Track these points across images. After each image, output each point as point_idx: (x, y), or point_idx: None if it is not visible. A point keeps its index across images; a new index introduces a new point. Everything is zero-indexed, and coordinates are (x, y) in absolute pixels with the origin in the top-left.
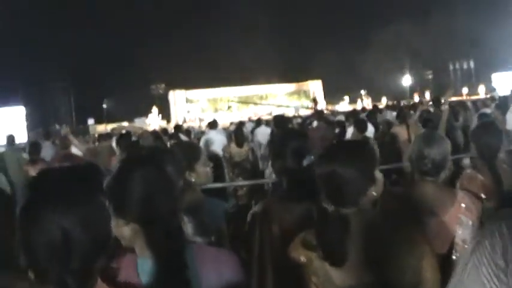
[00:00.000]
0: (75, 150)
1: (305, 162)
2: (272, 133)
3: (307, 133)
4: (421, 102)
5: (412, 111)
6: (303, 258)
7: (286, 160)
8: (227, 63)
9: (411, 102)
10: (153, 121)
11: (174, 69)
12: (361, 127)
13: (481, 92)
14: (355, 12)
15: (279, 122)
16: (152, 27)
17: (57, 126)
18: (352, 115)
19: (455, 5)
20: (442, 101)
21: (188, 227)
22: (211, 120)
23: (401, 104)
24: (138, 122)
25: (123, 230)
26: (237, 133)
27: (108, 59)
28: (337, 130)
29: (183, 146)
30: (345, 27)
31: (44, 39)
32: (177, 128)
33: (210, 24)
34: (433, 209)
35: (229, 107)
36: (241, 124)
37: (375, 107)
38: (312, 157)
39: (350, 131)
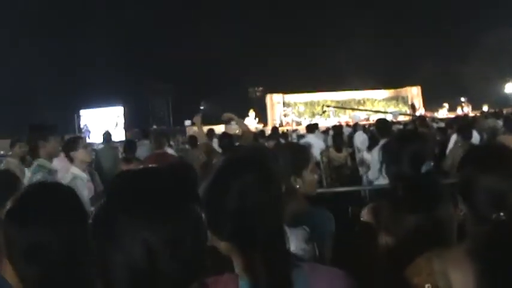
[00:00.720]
0: (170, 150)
1: (424, 168)
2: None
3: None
4: None
5: None
6: (428, 286)
7: (402, 165)
8: (325, 68)
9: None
10: (250, 124)
11: (271, 73)
12: (465, 134)
13: None
14: (456, 17)
15: (382, 127)
16: (252, 32)
17: (155, 126)
18: (456, 122)
19: None
20: None
21: (291, 242)
22: (310, 123)
23: (505, 112)
24: (235, 124)
25: (220, 243)
26: (337, 137)
27: (207, 62)
28: (438, 137)
29: (293, 147)
30: (445, 32)
31: (145, 43)
32: (275, 130)
33: (309, 29)
34: None
35: (324, 112)
36: (340, 128)
37: (481, 113)
38: (432, 163)
39: (453, 139)
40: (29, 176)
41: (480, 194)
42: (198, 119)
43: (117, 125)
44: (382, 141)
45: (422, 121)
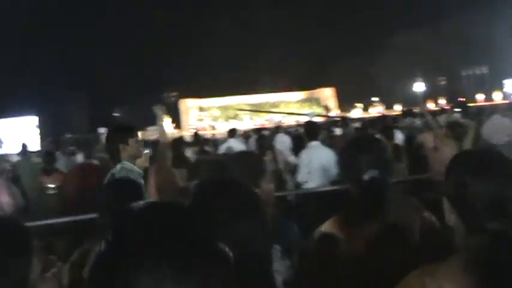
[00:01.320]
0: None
1: (366, 176)
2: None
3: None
4: (444, 109)
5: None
6: None
7: (360, 171)
8: (238, 72)
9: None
10: (167, 130)
11: (186, 78)
12: (389, 134)
13: (496, 98)
14: (367, 20)
15: (311, 130)
16: (163, 38)
17: (69, 135)
18: (374, 122)
19: (467, 11)
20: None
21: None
22: (231, 128)
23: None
24: (150, 130)
25: None
26: (260, 141)
27: (121, 69)
28: None
29: (248, 157)
30: (357, 35)
31: (58, 51)
32: (197, 137)
33: (220, 34)
34: None
35: (236, 115)
36: (261, 131)
37: (402, 112)
38: (376, 171)
39: None
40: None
41: (476, 202)
42: (159, 109)
43: (30, 135)
44: (311, 144)
45: (345, 122)
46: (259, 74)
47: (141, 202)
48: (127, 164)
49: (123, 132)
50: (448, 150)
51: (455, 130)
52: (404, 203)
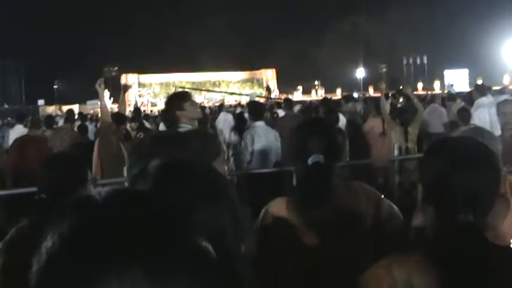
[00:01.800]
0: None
1: (310, 161)
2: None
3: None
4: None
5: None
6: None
7: (306, 156)
8: (180, 49)
9: (366, 95)
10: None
11: (127, 53)
12: (333, 118)
13: (436, 87)
14: (312, 2)
15: (255, 110)
16: (107, 10)
17: (6, 106)
18: (322, 105)
19: (410, 0)
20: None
21: None
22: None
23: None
24: (90, 104)
25: None
26: (202, 119)
27: (61, 40)
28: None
29: (201, 136)
30: (300, 16)
31: None
32: (138, 111)
33: (163, 8)
34: None
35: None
36: (203, 109)
37: (343, 97)
38: (321, 156)
39: None
40: None
41: (456, 192)
42: (101, 82)
43: None
44: (255, 124)
45: (289, 104)
46: (200, 52)
47: (106, 190)
48: (186, 127)
49: (177, 98)
50: (395, 136)
51: (401, 115)
52: (353, 189)
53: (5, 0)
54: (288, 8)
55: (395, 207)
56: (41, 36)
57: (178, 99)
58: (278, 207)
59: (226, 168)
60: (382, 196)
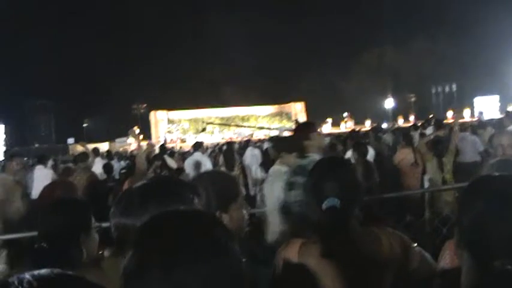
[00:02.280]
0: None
1: (325, 205)
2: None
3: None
4: (416, 125)
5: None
6: None
7: (320, 200)
8: (208, 84)
9: (395, 125)
10: (133, 142)
11: (155, 90)
12: (362, 151)
13: (466, 115)
14: (339, 35)
15: (280, 144)
16: (134, 49)
17: (36, 145)
18: (350, 137)
19: (437, 30)
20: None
21: None
22: (197, 141)
23: (393, 127)
24: (118, 142)
25: None
26: (228, 154)
27: (90, 79)
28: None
29: (218, 177)
30: (328, 49)
31: (26, 57)
32: (162, 149)
33: (191, 46)
34: None
35: (203, 129)
36: (230, 145)
37: (372, 129)
38: (337, 200)
39: (348, 155)
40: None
41: (495, 238)
42: (133, 131)
43: None
44: (280, 158)
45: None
46: (228, 87)
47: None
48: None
49: (305, 128)
50: (432, 167)
51: (437, 147)
52: (375, 235)
53: (35, 40)
54: (315, 41)
55: (427, 255)
56: (71, 76)
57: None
58: (291, 251)
59: (245, 212)
60: (414, 244)
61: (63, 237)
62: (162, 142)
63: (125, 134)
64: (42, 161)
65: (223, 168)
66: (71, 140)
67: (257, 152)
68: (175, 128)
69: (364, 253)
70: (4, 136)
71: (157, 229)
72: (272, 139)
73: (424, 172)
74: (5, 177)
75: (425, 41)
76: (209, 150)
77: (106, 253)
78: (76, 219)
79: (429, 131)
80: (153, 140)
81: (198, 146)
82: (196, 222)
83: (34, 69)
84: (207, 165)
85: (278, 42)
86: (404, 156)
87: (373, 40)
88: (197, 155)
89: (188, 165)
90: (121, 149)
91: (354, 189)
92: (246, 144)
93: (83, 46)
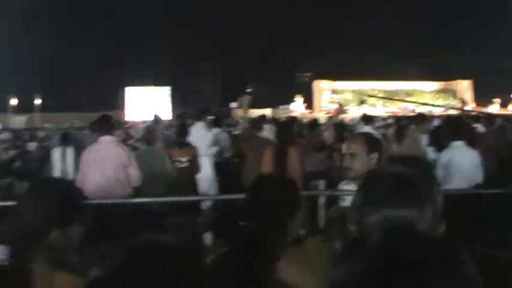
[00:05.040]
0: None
1: None
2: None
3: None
4: None
5: None
6: None
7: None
8: (375, 56)
9: None
10: (297, 109)
11: (320, 59)
12: None
13: None
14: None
15: (455, 128)
16: (301, 19)
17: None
18: None
19: None
20: None
21: None
22: (365, 114)
23: None
24: (282, 109)
25: None
26: (399, 131)
27: (256, 44)
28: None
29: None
30: (499, 27)
31: (194, 21)
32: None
33: (358, 17)
34: None
35: (362, 101)
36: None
37: None
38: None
39: None
40: None
41: None
42: (245, 100)
43: (162, 104)
44: (454, 144)
45: (491, 119)
46: (396, 59)
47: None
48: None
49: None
50: None
51: None
52: None
53: (200, 1)
54: (485, 19)
55: None
56: (236, 39)
57: None
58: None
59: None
60: None
61: (272, 217)
62: (323, 111)
63: (288, 102)
64: (217, 123)
65: (394, 145)
66: (234, 104)
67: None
68: (338, 99)
69: None
70: (170, 98)
71: None
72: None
73: None
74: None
75: None
76: (377, 124)
77: (302, 233)
78: (288, 200)
79: None
80: (315, 109)
81: (367, 119)
82: None
83: (202, 32)
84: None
85: (446, 16)
86: None
87: None
88: (366, 130)
89: None
90: (283, 117)
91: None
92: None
93: (252, 12)
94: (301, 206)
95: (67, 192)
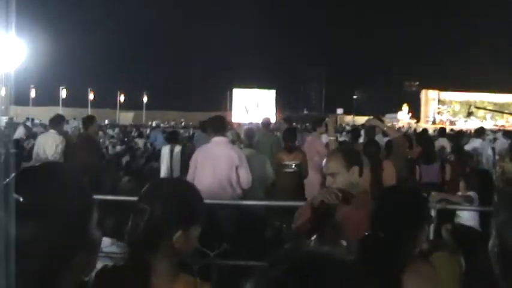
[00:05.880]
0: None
1: None
2: None
3: None
4: None
5: None
6: None
7: None
8: (484, 67)
9: None
10: (403, 118)
11: (428, 68)
12: None
13: None
14: None
15: None
16: (413, 26)
17: (305, 112)
18: None
19: None
20: None
21: None
22: (480, 127)
23: None
24: (388, 118)
25: None
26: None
27: (364, 51)
28: None
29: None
30: None
31: (300, 27)
32: (442, 131)
33: (470, 27)
34: None
35: (470, 113)
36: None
37: None
38: None
39: None
40: None
41: None
42: (331, 121)
43: (257, 106)
44: None
45: None
46: (505, 73)
47: None
48: None
49: None
50: None
51: None
52: None
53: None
54: None
55: None
56: (345, 46)
57: None
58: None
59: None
60: None
61: (399, 229)
62: (430, 122)
63: (395, 110)
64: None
65: (508, 160)
66: (339, 110)
67: None
68: (445, 109)
69: None
70: (275, 101)
71: None
72: None
73: None
74: None
75: None
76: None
77: (424, 247)
78: (416, 213)
79: None
80: (422, 119)
81: (479, 132)
82: None
83: (307, 36)
84: (486, 154)
85: None
86: None
87: None
88: (476, 143)
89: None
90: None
91: None
92: None
93: (358, 20)
94: (429, 219)
95: (190, 194)
